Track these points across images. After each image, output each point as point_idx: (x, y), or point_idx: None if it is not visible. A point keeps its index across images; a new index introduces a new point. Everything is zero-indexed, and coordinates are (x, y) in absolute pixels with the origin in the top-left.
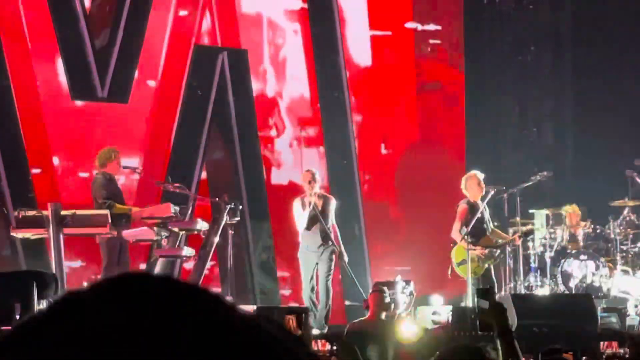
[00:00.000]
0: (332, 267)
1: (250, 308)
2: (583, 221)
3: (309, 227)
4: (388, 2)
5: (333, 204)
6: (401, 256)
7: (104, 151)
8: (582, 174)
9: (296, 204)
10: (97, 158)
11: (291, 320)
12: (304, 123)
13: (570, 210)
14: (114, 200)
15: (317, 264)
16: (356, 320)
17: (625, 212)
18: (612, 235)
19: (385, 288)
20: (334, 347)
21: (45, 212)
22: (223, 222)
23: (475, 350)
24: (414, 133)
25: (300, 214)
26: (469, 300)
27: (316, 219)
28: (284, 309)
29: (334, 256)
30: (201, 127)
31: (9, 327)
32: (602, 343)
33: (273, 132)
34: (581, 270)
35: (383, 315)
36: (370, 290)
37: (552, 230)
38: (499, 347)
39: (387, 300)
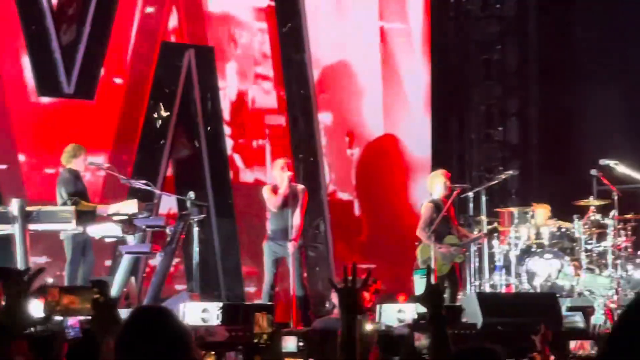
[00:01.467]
0: (301, 260)
1: (215, 305)
2: (551, 220)
3: (277, 217)
4: (354, 0)
5: (301, 193)
6: (366, 254)
7: (69, 148)
8: (547, 173)
9: (266, 189)
10: (62, 155)
11: (261, 318)
12: (270, 121)
13: (539, 208)
14: (79, 197)
15: (282, 257)
16: (321, 318)
17: (590, 211)
18: (577, 235)
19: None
20: (300, 344)
21: (10, 208)
22: (189, 219)
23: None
24: (379, 131)
25: (270, 197)
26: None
27: (285, 208)
28: (251, 306)
29: (302, 249)
30: (167, 124)
31: None
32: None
33: (239, 130)
34: (546, 269)
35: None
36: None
37: (517, 229)
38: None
39: None
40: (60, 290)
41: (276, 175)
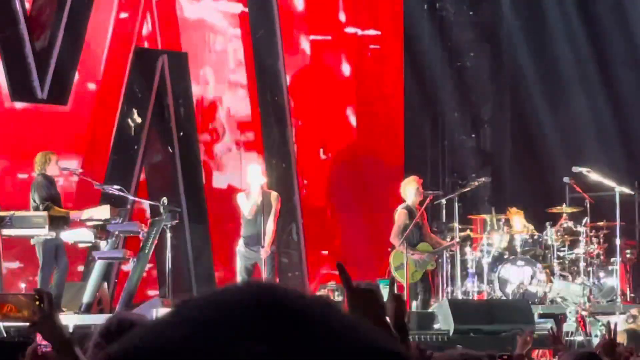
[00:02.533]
0: (274, 266)
1: None
2: (525, 227)
3: (250, 223)
4: (328, 7)
5: (275, 199)
6: (339, 260)
7: (39, 157)
8: (520, 180)
9: (240, 196)
10: (34, 165)
11: None
12: (243, 127)
13: (515, 214)
14: (52, 203)
15: (254, 263)
16: None
17: (563, 218)
18: (549, 242)
19: (329, 294)
20: None
21: None
22: (161, 225)
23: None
24: (352, 138)
25: (245, 203)
26: (406, 304)
27: (259, 215)
28: None
29: (275, 255)
30: (141, 129)
31: None
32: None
33: (212, 136)
34: (518, 276)
35: None
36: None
37: (489, 236)
38: None
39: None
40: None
41: (250, 182)
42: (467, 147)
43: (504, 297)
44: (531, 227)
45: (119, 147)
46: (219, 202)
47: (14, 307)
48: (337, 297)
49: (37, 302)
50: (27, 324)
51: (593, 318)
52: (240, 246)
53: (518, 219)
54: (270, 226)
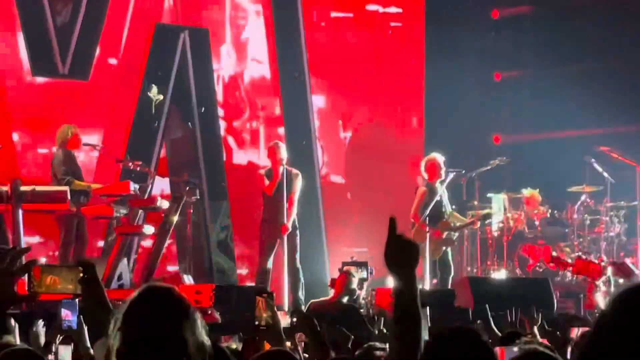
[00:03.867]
0: (298, 243)
1: (208, 287)
2: (542, 206)
3: (271, 200)
4: None
5: (299, 179)
6: (359, 238)
7: (61, 129)
8: (541, 159)
9: (261, 173)
10: (56, 138)
11: (261, 302)
12: (264, 104)
13: (529, 195)
14: (73, 177)
15: (276, 240)
16: (318, 300)
17: (583, 197)
18: (570, 221)
19: (353, 272)
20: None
21: (4, 188)
22: (182, 201)
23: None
24: (373, 115)
25: (266, 181)
26: (426, 283)
27: (280, 192)
28: (244, 288)
29: (297, 232)
30: (161, 105)
31: None
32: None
33: (233, 112)
34: (538, 255)
35: (345, 299)
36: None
37: (509, 215)
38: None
39: (353, 285)
40: (42, 269)
41: (271, 160)
42: (488, 125)
43: (523, 275)
44: (543, 208)
45: (139, 122)
46: (239, 179)
47: (58, 278)
48: (360, 274)
49: (81, 274)
50: (70, 295)
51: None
52: (262, 224)
53: (533, 200)
54: (290, 204)
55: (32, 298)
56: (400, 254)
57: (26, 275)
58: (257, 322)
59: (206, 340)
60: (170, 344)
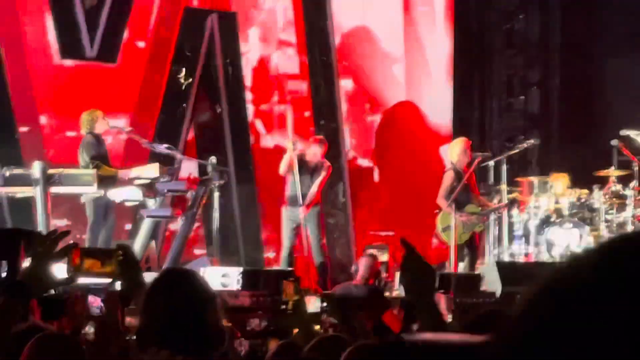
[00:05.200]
0: (319, 226)
1: (235, 270)
2: (570, 189)
3: (294, 184)
4: None
5: (324, 167)
6: (385, 221)
7: (85, 115)
8: (568, 142)
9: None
10: (81, 124)
11: (288, 286)
12: (292, 87)
13: (558, 178)
14: (101, 161)
15: (298, 224)
16: (342, 284)
17: (611, 181)
18: (597, 205)
19: (376, 255)
20: (324, 304)
21: (32, 171)
22: (209, 184)
23: None
24: (400, 99)
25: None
26: (453, 267)
27: (304, 176)
28: (271, 272)
29: (321, 216)
30: (189, 88)
31: None
32: None
33: (261, 96)
34: (565, 239)
35: (370, 282)
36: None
37: (537, 198)
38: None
39: (378, 268)
40: (82, 253)
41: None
42: (515, 109)
43: (551, 260)
44: (571, 192)
45: (167, 105)
46: (266, 162)
47: (97, 262)
48: (383, 257)
49: (120, 258)
50: (109, 279)
51: None
52: (284, 206)
53: (561, 183)
54: (313, 188)
55: (71, 281)
56: (417, 280)
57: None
58: (283, 306)
59: (224, 324)
60: (188, 327)
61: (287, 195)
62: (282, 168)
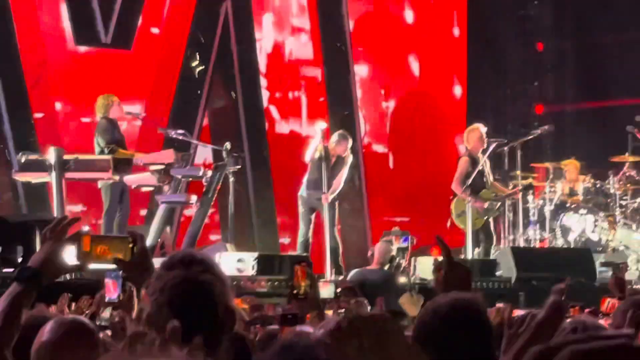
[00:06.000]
0: (336, 214)
1: (251, 255)
2: (582, 175)
3: (314, 168)
4: None
5: (348, 164)
6: (400, 207)
7: (100, 100)
8: (583, 128)
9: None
10: (96, 108)
11: (300, 271)
12: (306, 73)
13: (569, 165)
14: (116, 146)
15: (316, 209)
16: (359, 269)
17: (625, 167)
18: (612, 190)
19: (392, 240)
20: (337, 290)
21: (47, 157)
22: (224, 170)
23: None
24: (415, 84)
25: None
26: (469, 253)
27: (322, 161)
28: (286, 257)
29: (336, 203)
30: (204, 74)
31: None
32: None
33: (275, 81)
34: (580, 225)
35: (386, 267)
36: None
37: (552, 184)
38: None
39: (393, 253)
40: (92, 239)
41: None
42: (530, 95)
43: (565, 245)
44: (585, 178)
45: (182, 91)
46: (281, 148)
47: (107, 248)
48: (402, 244)
49: (131, 245)
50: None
51: None
52: (302, 191)
53: (574, 170)
54: (338, 180)
55: (82, 268)
56: (458, 284)
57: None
58: (295, 291)
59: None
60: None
61: (308, 179)
62: (308, 155)
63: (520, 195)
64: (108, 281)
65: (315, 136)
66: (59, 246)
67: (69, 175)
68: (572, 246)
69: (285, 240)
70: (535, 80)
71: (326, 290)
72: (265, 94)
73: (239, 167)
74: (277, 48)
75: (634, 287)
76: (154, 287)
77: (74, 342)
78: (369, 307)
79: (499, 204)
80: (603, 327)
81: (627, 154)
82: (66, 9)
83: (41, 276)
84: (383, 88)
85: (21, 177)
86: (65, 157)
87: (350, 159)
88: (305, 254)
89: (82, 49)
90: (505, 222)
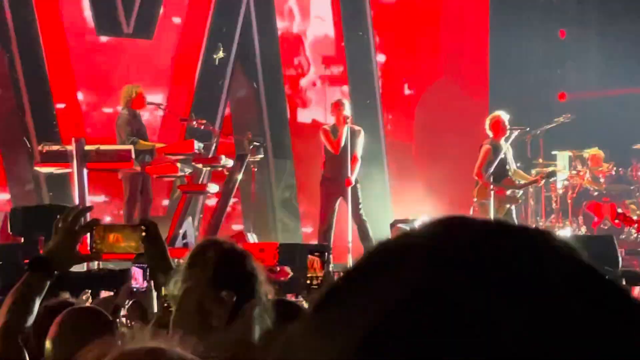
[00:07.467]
0: (360, 196)
1: (272, 245)
2: (605, 163)
3: (335, 158)
4: None
5: (361, 136)
6: (423, 196)
7: (125, 89)
8: (606, 116)
9: (323, 131)
10: (121, 99)
11: (315, 261)
12: (328, 62)
13: (592, 153)
14: (138, 137)
15: (339, 197)
16: None
17: None
18: (635, 178)
19: (403, 227)
20: None
21: (69, 147)
22: (247, 159)
23: None
24: (437, 73)
25: (330, 140)
26: None
27: (345, 149)
28: (306, 247)
29: (359, 186)
30: (225, 64)
31: None
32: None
33: (297, 71)
34: (603, 212)
35: None
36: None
37: (574, 172)
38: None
39: None
40: (104, 228)
41: (335, 116)
42: (553, 83)
43: (588, 233)
44: (607, 165)
45: (203, 81)
46: (303, 137)
47: (120, 237)
48: None
49: (144, 233)
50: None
51: None
52: (323, 180)
53: (597, 158)
54: (354, 160)
55: (95, 257)
56: None
57: (88, 234)
58: (310, 282)
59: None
60: (245, 279)
61: (328, 169)
62: (334, 146)
63: (542, 183)
64: (135, 270)
65: (345, 128)
66: (71, 236)
67: (90, 165)
68: (595, 234)
69: (307, 229)
70: (557, 68)
71: None
72: (287, 83)
73: (261, 156)
74: (299, 37)
75: None
76: (193, 265)
77: (90, 330)
78: None
79: (521, 192)
80: None
81: None
82: None
83: (52, 265)
84: (405, 77)
85: (43, 168)
86: (87, 147)
87: (360, 131)
88: (325, 244)
89: (104, 39)
90: (528, 210)
